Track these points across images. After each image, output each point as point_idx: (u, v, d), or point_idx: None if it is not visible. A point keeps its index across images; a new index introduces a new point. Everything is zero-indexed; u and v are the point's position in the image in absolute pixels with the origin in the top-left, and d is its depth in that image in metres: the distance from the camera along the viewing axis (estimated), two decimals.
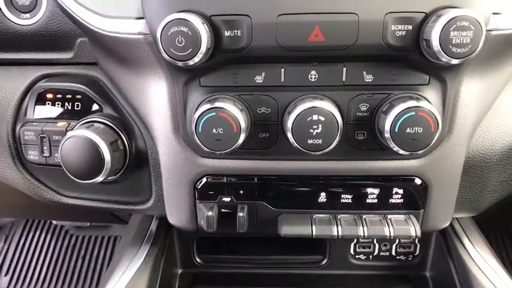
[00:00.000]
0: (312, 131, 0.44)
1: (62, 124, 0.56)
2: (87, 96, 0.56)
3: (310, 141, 0.44)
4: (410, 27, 0.43)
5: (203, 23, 0.42)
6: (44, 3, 0.60)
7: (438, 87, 0.47)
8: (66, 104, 0.57)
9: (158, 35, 0.42)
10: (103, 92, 0.57)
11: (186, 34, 0.41)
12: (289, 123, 0.44)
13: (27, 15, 0.61)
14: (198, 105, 0.47)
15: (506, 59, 0.49)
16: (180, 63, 0.42)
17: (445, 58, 0.41)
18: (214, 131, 0.44)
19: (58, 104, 0.57)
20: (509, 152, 0.55)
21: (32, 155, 0.57)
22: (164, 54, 0.42)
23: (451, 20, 0.40)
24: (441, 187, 0.51)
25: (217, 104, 0.44)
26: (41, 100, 0.57)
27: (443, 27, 0.40)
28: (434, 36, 0.40)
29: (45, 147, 0.56)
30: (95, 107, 0.56)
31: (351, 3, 0.43)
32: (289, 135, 0.45)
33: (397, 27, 0.43)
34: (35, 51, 0.61)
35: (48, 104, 0.57)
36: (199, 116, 0.44)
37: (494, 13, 0.44)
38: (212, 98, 0.47)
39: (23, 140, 0.57)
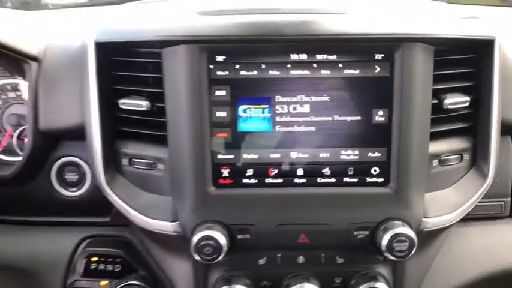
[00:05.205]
0: None
1: (104, 283, 0.74)
2: (124, 260, 0.75)
3: None
4: (367, 232, 0.64)
5: (223, 230, 0.63)
6: (88, 180, 0.79)
7: (389, 263, 0.69)
8: (108, 266, 0.75)
9: (192, 247, 0.62)
10: (137, 255, 0.76)
11: (213, 245, 0.61)
12: None
13: (74, 188, 0.80)
14: (217, 282, 0.67)
15: (438, 237, 0.71)
16: (206, 262, 0.62)
17: (390, 257, 0.62)
18: None
19: (102, 266, 0.76)
20: None
21: None
22: (196, 257, 0.62)
23: (393, 235, 0.61)
24: None
25: (233, 287, 0.64)
26: (87, 262, 0.76)
27: (389, 240, 0.61)
28: (383, 245, 0.62)
29: None
30: (132, 267, 0.75)
31: (326, 217, 0.64)
32: None
33: (358, 232, 0.64)
34: (78, 215, 0.80)
35: (94, 265, 0.76)
36: None
37: (424, 217, 0.66)
38: (227, 276, 0.67)
39: None
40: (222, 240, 0.62)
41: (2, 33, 0.74)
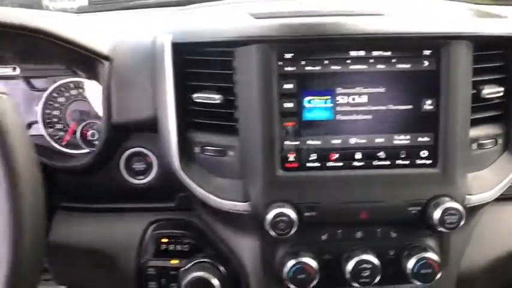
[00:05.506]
0: (363, 274, 0.72)
1: (175, 262, 0.82)
2: (191, 240, 0.83)
3: (361, 280, 0.72)
4: (419, 208, 0.73)
5: (293, 208, 0.70)
6: (154, 168, 0.86)
7: (436, 237, 0.77)
8: (177, 246, 0.83)
9: (267, 224, 0.69)
10: (203, 235, 0.83)
11: (286, 221, 0.69)
12: (348, 269, 0.72)
13: (142, 176, 0.87)
14: (284, 256, 0.74)
15: (477, 213, 0.80)
16: (278, 236, 0.70)
17: (441, 229, 0.71)
18: (299, 276, 0.72)
19: (171, 247, 0.83)
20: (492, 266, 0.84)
21: (152, 285, 0.82)
22: (271, 233, 0.69)
23: (444, 209, 0.70)
24: None
25: (300, 259, 0.72)
26: (157, 243, 0.83)
27: (441, 214, 0.70)
28: (435, 218, 0.70)
29: (163, 280, 0.81)
30: (199, 247, 0.83)
31: (383, 195, 0.73)
32: (348, 276, 0.72)
33: (411, 208, 0.73)
34: (144, 202, 0.87)
35: (163, 246, 0.83)
36: (291, 267, 0.71)
37: (467, 194, 0.75)
38: (294, 250, 0.74)
39: (146, 273, 0.81)
40: (294, 216, 0.70)
41: (78, 35, 0.81)
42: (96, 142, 0.92)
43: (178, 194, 0.86)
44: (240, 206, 0.74)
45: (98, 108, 0.93)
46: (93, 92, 0.94)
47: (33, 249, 0.53)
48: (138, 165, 0.87)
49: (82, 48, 0.80)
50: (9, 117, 0.54)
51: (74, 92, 0.96)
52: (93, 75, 0.92)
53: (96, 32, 0.86)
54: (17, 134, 0.54)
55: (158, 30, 0.80)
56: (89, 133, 0.95)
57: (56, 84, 0.95)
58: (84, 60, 0.86)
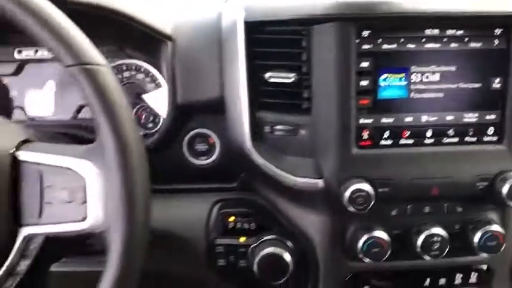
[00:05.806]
0: (433, 247, 0.75)
1: (243, 240, 0.83)
2: (257, 219, 0.84)
3: (431, 253, 0.75)
4: (486, 183, 0.75)
5: (367, 182, 0.72)
6: (217, 149, 0.87)
7: (498, 211, 0.80)
8: (244, 224, 0.84)
9: (345, 200, 0.71)
10: (268, 214, 0.84)
11: (364, 196, 0.71)
12: (419, 242, 0.75)
13: (204, 157, 0.88)
14: (356, 231, 0.76)
15: None
16: (357, 211, 0.72)
17: (510, 203, 0.73)
18: (373, 250, 0.74)
19: (238, 225, 0.84)
20: None
21: (221, 262, 0.83)
22: (351, 209, 0.71)
23: None
24: (500, 269, 0.83)
25: (373, 233, 0.74)
26: (224, 222, 0.84)
27: (509, 188, 0.72)
28: (504, 193, 0.73)
29: (231, 257, 0.82)
30: (265, 225, 0.84)
31: (453, 171, 0.75)
32: (419, 250, 0.75)
33: (479, 183, 0.75)
34: (207, 182, 0.88)
35: (231, 224, 0.84)
36: (364, 241, 0.74)
37: None
38: (367, 225, 0.76)
39: (215, 251, 0.83)
40: (371, 191, 0.72)
41: (143, 14, 0.80)
42: (150, 125, 0.93)
43: (240, 174, 0.87)
44: (313, 183, 0.75)
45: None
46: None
47: (144, 227, 0.53)
48: (201, 146, 0.87)
49: (148, 28, 0.80)
50: (116, 87, 0.54)
51: (126, 74, 0.96)
52: (149, 57, 0.91)
53: (157, 12, 0.86)
54: (123, 105, 0.54)
55: (223, 9, 0.79)
56: (143, 116, 0.95)
57: None
58: (143, 42, 0.85)
